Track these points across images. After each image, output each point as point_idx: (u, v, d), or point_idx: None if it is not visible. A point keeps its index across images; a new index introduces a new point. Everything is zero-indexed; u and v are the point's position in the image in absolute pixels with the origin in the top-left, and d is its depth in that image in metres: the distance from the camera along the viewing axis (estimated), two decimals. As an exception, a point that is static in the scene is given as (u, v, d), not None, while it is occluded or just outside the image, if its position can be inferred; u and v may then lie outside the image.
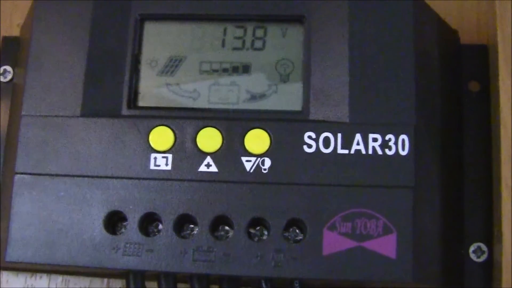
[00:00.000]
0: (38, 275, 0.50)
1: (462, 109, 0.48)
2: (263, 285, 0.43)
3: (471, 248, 0.46)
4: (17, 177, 0.43)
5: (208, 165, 0.42)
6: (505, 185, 0.42)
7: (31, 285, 0.49)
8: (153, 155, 0.43)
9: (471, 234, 0.46)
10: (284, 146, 0.42)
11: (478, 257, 0.46)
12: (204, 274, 0.42)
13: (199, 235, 0.42)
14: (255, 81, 0.45)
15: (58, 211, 0.43)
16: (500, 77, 0.43)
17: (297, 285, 0.43)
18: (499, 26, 0.44)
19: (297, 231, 0.42)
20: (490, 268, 0.46)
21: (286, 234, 0.42)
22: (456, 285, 0.45)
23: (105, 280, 0.49)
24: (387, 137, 0.42)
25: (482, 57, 0.49)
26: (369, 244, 0.41)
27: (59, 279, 0.50)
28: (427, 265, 0.42)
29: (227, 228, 0.42)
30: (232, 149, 0.43)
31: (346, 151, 0.42)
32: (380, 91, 0.43)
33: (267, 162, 0.42)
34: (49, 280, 0.49)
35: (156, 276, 0.44)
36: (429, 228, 0.43)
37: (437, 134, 0.44)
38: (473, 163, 0.47)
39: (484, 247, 0.46)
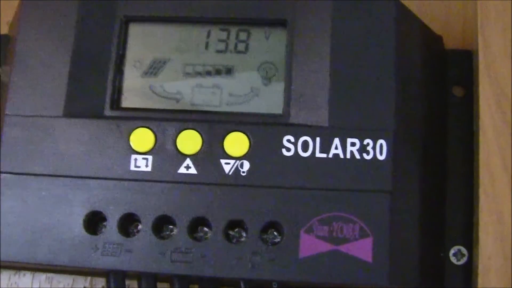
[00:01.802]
0: (22, 273, 0.50)
1: (446, 114, 0.48)
2: (242, 286, 0.43)
3: (452, 251, 0.46)
4: (1, 176, 0.44)
5: (187, 167, 0.43)
6: (483, 191, 0.42)
7: (15, 282, 0.50)
8: (133, 156, 0.43)
9: (452, 238, 0.47)
10: (263, 149, 0.43)
11: (458, 260, 0.46)
12: (181, 275, 0.42)
13: (177, 236, 0.42)
14: (237, 84, 0.45)
15: (40, 210, 0.43)
16: (480, 83, 0.44)
17: (275, 286, 0.43)
18: (480, 32, 0.44)
19: (275, 233, 0.42)
20: (470, 271, 0.46)
21: (265, 236, 0.42)
22: (436, 288, 0.45)
23: (88, 278, 0.50)
24: (365, 142, 0.42)
25: (467, 62, 0.49)
26: (346, 248, 0.41)
27: (42, 277, 0.50)
28: (404, 268, 0.43)
29: (206, 229, 0.43)
30: (212, 151, 0.43)
31: (324, 155, 0.42)
32: (360, 96, 0.43)
33: (246, 165, 0.42)
34: (33, 278, 0.50)
35: (137, 275, 0.44)
36: (406, 232, 0.43)
37: (418, 139, 0.44)
38: (456, 167, 0.47)
39: (464, 251, 0.46)
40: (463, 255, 0.46)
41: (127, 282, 0.45)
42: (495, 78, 0.44)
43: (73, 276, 0.50)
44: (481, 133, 0.43)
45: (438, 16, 0.53)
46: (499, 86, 0.43)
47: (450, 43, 0.51)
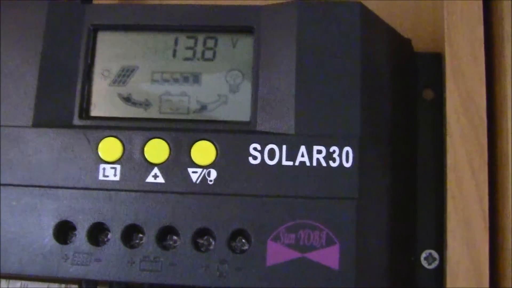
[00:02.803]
0: (-3, 280, 0.50)
1: (417, 117, 0.48)
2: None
3: (423, 255, 0.47)
4: (-29, 186, 0.44)
5: (155, 176, 0.43)
6: (450, 196, 0.42)
7: (-10, 290, 0.50)
8: (102, 166, 0.43)
9: (423, 241, 0.47)
10: (229, 158, 0.43)
11: (430, 264, 0.46)
12: (150, 284, 0.42)
13: (146, 245, 0.42)
14: (205, 92, 0.45)
15: (10, 220, 0.43)
16: (447, 87, 0.44)
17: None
18: (446, 36, 0.44)
19: (243, 240, 0.42)
20: (442, 275, 0.46)
21: (233, 244, 0.42)
22: (407, 292, 0.46)
23: (63, 285, 0.50)
24: (331, 149, 0.42)
25: (437, 65, 0.49)
26: (312, 255, 0.41)
27: (17, 284, 0.50)
28: (372, 275, 0.43)
29: (175, 237, 0.43)
30: (179, 160, 0.43)
31: (290, 163, 0.42)
32: (326, 102, 0.43)
33: (213, 174, 0.43)
34: (8, 284, 0.50)
35: (109, 283, 0.44)
36: (374, 239, 0.43)
37: (385, 144, 0.44)
38: (426, 170, 0.48)
39: (435, 254, 0.46)
40: (434, 259, 0.46)
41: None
42: (461, 82, 0.44)
43: (47, 283, 0.50)
44: (448, 137, 0.43)
45: (408, 19, 0.53)
46: (465, 90, 0.43)
47: (421, 46, 0.50)
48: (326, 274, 0.41)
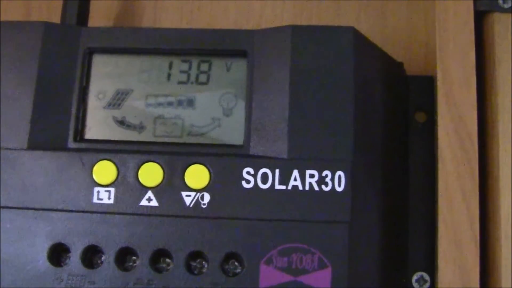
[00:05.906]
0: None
1: (408, 140, 0.48)
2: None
3: (414, 277, 0.47)
4: (-35, 208, 0.44)
5: (149, 199, 0.43)
6: (442, 220, 0.43)
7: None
8: (96, 189, 0.44)
9: (414, 264, 0.47)
10: (223, 182, 0.43)
11: (421, 286, 0.47)
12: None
13: (139, 268, 0.43)
14: (199, 115, 0.46)
15: (4, 242, 0.44)
16: (439, 111, 0.44)
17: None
18: (438, 59, 0.45)
19: (236, 264, 0.43)
20: (432, 297, 0.46)
21: (226, 266, 0.42)
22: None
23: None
24: (323, 174, 0.43)
25: (429, 88, 0.49)
26: (305, 279, 0.42)
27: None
28: (364, 298, 0.43)
29: (168, 260, 0.43)
30: (173, 184, 0.43)
31: (283, 187, 0.43)
32: (319, 127, 0.43)
33: (206, 197, 0.43)
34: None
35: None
36: (365, 262, 0.43)
37: (377, 168, 0.45)
38: (417, 193, 0.48)
39: (426, 277, 0.47)
40: (425, 281, 0.47)
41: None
42: (453, 106, 0.44)
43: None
44: (440, 161, 0.43)
45: (400, 42, 0.53)
46: (457, 114, 0.44)
47: (413, 69, 0.51)
48: (318, 298, 0.41)
